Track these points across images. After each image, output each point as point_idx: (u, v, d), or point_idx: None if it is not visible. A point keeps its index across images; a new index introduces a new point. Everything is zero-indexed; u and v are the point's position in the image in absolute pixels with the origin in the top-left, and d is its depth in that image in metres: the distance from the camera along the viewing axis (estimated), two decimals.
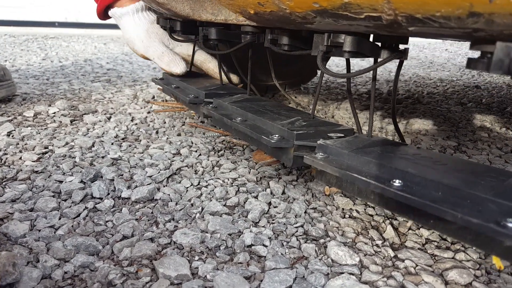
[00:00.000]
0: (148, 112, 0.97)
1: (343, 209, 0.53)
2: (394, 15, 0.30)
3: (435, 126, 0.97)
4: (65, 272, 0.38)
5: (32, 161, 0.65)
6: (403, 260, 0.42)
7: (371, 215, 0.52)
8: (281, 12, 0.36)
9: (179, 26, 0.68)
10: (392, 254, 0.43)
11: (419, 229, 0.49)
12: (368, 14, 0.31)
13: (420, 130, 0.94)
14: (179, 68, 0.80)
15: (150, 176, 0.61)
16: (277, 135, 0.47)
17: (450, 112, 1.12)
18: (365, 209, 0.53)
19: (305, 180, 0.62)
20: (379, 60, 0.41)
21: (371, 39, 0.42)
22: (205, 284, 0.37)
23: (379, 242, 0.45)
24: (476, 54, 0.35)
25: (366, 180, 0.34)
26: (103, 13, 0.89)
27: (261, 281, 0.37)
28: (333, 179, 0.41)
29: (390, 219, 0.51)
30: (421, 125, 0.96)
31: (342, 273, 0.39)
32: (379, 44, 0.41)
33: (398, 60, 0.44)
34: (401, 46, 0.44)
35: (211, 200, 0.54)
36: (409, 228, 0.49)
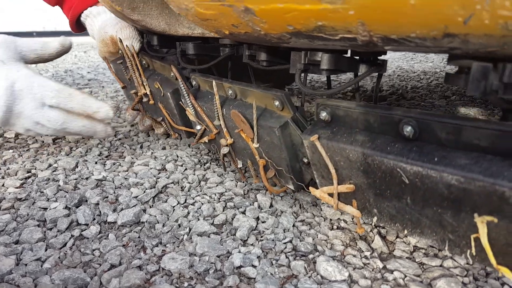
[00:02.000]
0: (132, 126, 0.96)
1: (330, 219, 0.53)
2: (369, 36, 0.29)
3: None
4: None
5: (15, 187, 0.63)
6: (392, 272, 0.42)
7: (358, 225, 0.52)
8: (256, 33, 0.36)
9: (156, 40, 0.67)
10: (380, 265, 0.43)
11: (406, 236, 0.49)
12: (343, 35, 0.31)
13: None
14: (130, 44, 0.74)
15: (136, 197, 0.60)
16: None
17: (434, 106, 1.13)
18: (352, 219, 0.53)
19: (293, 190, 0.62)
20: (358, 74, 0.41)
21: (349, 52, 0.42)
22: None
23: (368, 254, 0.45)
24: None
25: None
26: (76, 24, 0.88)
27: None
28: (325, 135, 0.38)
29: (378, 228, 0.51)
30: None
31: None
32: (357, 57, 0.41)
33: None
34: (381, 56, 0.44)
35: (198, 219, 0.54)
36: (397, 236, 0.49)
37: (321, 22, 0.29)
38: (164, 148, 0.82)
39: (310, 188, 0.42)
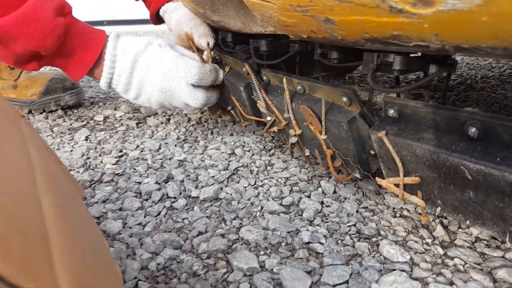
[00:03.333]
0: (202, 113, 1.05)
1: (393, 208, 0.57)
2: (442, 45, 0.33)
3: None
4: (158, 264, 0.47)
5: (112, 164, 0.75)
6: (452, 258, 0.46)
7: (421, 214, 0.55)
8: (333, 38, 0.40)
9: (230, 37, 0.74)
10: (441, 252, 0.47)
11: (468, 228, 0.51)
12: (416, 43, 0.34)
13: None
14: (205, 42, 0.80)
15: (213, 177, 0.68)
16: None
17: (506, 98, 1.08)
18: (415, 208, 0.56)
19: (355, 178, 0.66)
20: (428, 73, 0.44)
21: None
22: (273, 276, 0.43)
23: (429, 241, 0.49)
24: None
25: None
26: (156, 16, 0.98)
27: (321, 275, 0.43)
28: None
29: (440, 218, 0.54)
30: None
31: (394, 270, 0.44)
32: (427, 58, 0.43)
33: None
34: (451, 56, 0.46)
35: (268, 200, 0.60)
36: (459, 227, 0.52)
37: (397, 32, 0.33)
38: (231, 135, 0.90)
39: (377, 178, 0.46)
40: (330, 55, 0.51)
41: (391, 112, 0.41)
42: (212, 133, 0.92)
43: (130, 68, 0.74)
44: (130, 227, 0.55)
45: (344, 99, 0.47)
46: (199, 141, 0.86)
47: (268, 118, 0.67)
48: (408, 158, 0.40)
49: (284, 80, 0.55)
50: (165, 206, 0.59)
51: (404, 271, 0.43)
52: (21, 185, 0.26)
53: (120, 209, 0.60)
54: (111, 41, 0.74)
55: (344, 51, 0.50)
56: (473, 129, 0.33)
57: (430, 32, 0.31)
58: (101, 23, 4.03)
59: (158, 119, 1.00)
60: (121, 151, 0.81)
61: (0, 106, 0.37)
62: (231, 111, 0.86)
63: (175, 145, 0.83)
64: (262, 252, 0.48)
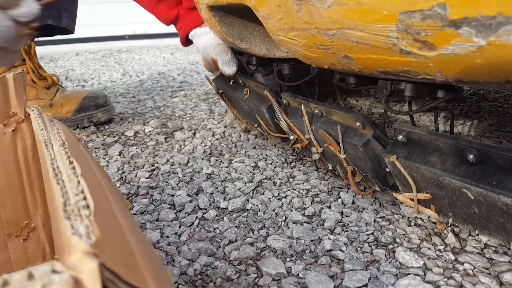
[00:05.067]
0: (225, 127, 1.12)
1: (408, 217, 0.61)
2: (445, 78, 0.38)
3: (500, 126, 0.98)
4: (195, 270, 0.53)
5: (146, 178, 0.82)
6: (462, 263, 0.50)
7: (434, 223, 0.59)
8: (351, 70, 0.46)
9: (254, 60, 0.80)
10: (452, 257, 0.51)
11: (478, 235, 0.56)
12: (423, 77, 0.39)
13: (484, 132, 0.96)
14: (230, 69, 0.87)
15: (239, 189, 0.74)
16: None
17: None
18: (428, 218, 0.61)
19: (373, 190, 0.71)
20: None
21: None
22: (299, 281, 0.49)
23: (441, 247, 0.53)
24: None
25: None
26: (185, 39, 1.06)
27: (342, 279, 0.48)
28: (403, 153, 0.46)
29: (452, 226, 0.58)
30: (485, 126, 0.98)
31: (409, 274, 0.48)
32: (435, 85, 0.48)
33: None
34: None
35: (291, 211, 0.66)
36: (469, 234, 0.56)
37: (407, 68, 0.38)
38: (254, 148, 0.96)
39: (394, 194, 0.51)
40: (348, 80, 0.56)
41: (400, 137, 0.46)
42: (235, 146, 0.98)
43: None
44: (168, 237, 0.61)
45: (358, 123, 0.52)
46: (224, 155, 0.92)
47: (291, 137, 0.73)
48: (419, 178, 0.45)
49: (302, 106, 0.61)
50: (197, 217, 0.65)
51: (418, 275, 0.48)
52: (104, 202, 0.32)
53: (157, 220, 0.66)
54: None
55: (361, 77, 0.55)
56: (471, 156, 0.37)
57: (435, 69, 0.37)
58: (123, 37, 4.19)
59: (185, 134, 1.07)
60: (153, 165, 0.88)
61: (65, 132, 0.44)
62: (258, 128, 0.93)
63: (202, 159, 0.90)
64: (288, 259, 0.53)
